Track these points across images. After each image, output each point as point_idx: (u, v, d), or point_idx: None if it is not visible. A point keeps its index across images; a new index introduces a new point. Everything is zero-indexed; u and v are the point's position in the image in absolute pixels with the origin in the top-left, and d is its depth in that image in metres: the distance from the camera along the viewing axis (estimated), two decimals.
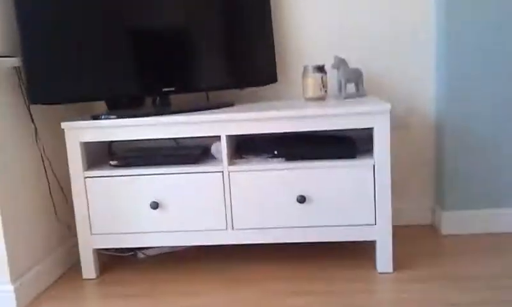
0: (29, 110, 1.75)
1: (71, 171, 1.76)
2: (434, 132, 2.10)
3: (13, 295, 1.59)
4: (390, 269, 1.71)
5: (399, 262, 1.77)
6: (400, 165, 2.13)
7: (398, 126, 2.09)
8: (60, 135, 1.89)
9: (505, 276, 1.62)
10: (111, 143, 2.03)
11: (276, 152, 1.77)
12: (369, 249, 1.87)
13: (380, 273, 1.70)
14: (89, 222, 1.78)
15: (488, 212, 1.99)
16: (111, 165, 1.80)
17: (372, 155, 1.70)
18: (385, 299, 1.55)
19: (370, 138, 1.71)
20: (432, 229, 2.09)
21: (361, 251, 1.89)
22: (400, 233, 2.06)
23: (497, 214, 1.99)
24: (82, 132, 1.74)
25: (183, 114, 1.74)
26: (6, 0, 1.67)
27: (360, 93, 1.93)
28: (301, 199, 1.69)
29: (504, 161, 1.97)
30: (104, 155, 1.99)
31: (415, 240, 1.98)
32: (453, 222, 2.01)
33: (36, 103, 1.70)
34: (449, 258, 1.79)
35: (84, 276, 1.82)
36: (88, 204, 1.77)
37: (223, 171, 1.72)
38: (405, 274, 1.69)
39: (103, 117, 1.73)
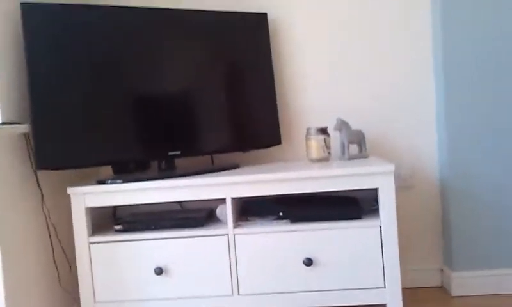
0: (36, 176, 1.77)
1: (76, 237, 1.75)
2: (439, 191, 2.09)
3: None
4: None
5: None
6: (407, 226, 2.11)
7: (402, 186, 2.09)
8: (66, 200, 1.90)
9: None
10: (115, 207, 2.02)
11: (281, 214, 1.76)
12: None
13: None
14: (93, 290, 1.75)
15: (499, 272, 1.95)
16: (115, 230, 1.79)
17: (378, 216, 1.69)
18: None
19: (375, 197, 1.72)
20: (442, 290, 2.05)
21: None
22: (409, 295, 2.01)
23: (507, 274, 1.95)
24: (88, 197, 1.74)
25: (188, 177, 1.75)
26: (18, 69, 1.73)
27: (362, 153, 1.95)
28: (308, 262, 1.67)
29: (509, 221, 1.95)
30: (109, 220, 1.98)
31: (425, 303, 1.93)
32: (463, 284, 1.96)
33: (43, 169, 1.71)
34: None
35: None
36: (91, 271, 1.75)
37: (228, 234, 1.71)
38: None
39: (109, 182, 1.74)
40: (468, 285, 1.96)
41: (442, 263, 2.10)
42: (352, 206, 1.74)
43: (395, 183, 1.67)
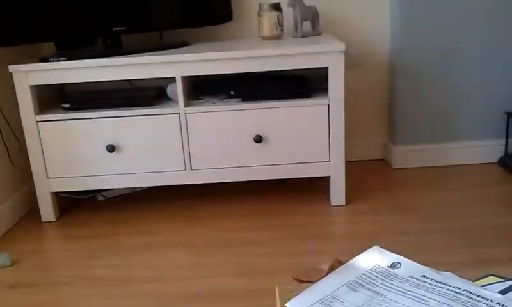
0: None
1: (22, 116, 1.72)
2: (388, 70, 2.14)
3: None
4: (343, 202, 1.80)
5: (351, 195, 1.86)
6: (355, 103, 2.18)
7: (352, 65, 2.12)
8: (10, 79, 1.83)
9: (447, 206, 1.74)
10: (63, 86, 1.98)
11: (232, 93, 1.78)
12: (325, 185, 1.95)
13: (333, 206, 1.79)
14: (45, 166, 1.77)
15: (436, 146, 2.10)
16: (63, 108, 1.76)
17: (326, 94, 1.73)
18: (337, 229, 1.64)
19: (325, 76, 1.74)
20: (383, 163, 2.20)
21: (318, 188, 1.97)
22: (353, 168, 2.15)
23: (444, 149, 2.10)
24: (31, 75, 1.68)
25: (136, 54, 1.70)
26: None
27: (315, 31, 1.93)
28: (258, 139, 1.73)
29: (451, 100, 2.05)
30: (57, 98, 1.95)
31: (368, 174, 2.08)
32: (403, 156, 2.11)
33: None
34: (398, 190, 1.89)
35: (44, 219, 1.83)
36: (42, 148, 1.75)
37: (179, 113, 1.72)
38: (356, 206, 1.78)
39: (52, 59, 1.67)
40: (408, 158, 2.10)
41: (386, 138, 2.23)
42: (301, 85, 1.77)
43: (345, 61, 1.69)
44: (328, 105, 1.71)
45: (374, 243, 0.82)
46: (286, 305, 0.67)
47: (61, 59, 1.67)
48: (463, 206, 1.73)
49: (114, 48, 1.79)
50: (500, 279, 0.68)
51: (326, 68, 1.69)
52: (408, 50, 2.00)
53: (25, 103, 1.71)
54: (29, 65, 1.67)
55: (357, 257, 0.78)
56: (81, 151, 1.76)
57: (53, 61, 1.67)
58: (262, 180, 1.79)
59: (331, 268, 0.76)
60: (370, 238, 1.55)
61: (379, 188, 1.93)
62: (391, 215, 1.70)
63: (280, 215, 1.76)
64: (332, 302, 0.67)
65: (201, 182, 1.79)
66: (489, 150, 2.09)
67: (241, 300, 1.29)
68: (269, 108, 1.72)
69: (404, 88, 2.04)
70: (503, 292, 0.64)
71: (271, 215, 1.77)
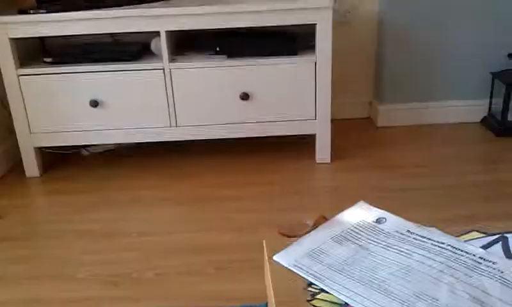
0: None
1: (2, 70, 1.67)
2: (376, 29, 2.12)
3: None
4: (328, 159, 1.81)
5: (336, 153, 1.87)
6: (342, 61, 2.16)
7: (340, 22, 2.09)
8: None
9: (431, 164, 1.77)
10: (44, 40, 1.91)
11: (218, 48, 1.74)
12: (311, 142, 1.96)
13: (319, 163, 1.81)
14: (28, 121, 1.73)
15: (421, 105, 2.11)
16: (45, 62, 1.72)
17: (314, 52, 1.71)
18: (322, 186, 1.66)
19: (314, 34, 1.72)
20: (369, 121, 2.20)
21: (304, 145, 1.97)
22: (339, 125, 2.15)
23: (428, 108, 2.11)
24: (11, 27, 1.62)
25: (119, 7, 1.65)
26: None
27: None
28: (244, 96, 1.71)
29: (436, 60, 2.05)
30: (38, 52, 1.89)
31: (353, 132, 2.09)
32: (388, 115, 2.11)
33: None
34: (383, 148, 1.91)
35: (28, 174, 1.81)
36: (24, 103, 1.71)
37: (163, 68, 1.69)
38: (342, 163, 1.80)
39: (32, 11, 1.61)
40: (393, 116, 2.11)
41: (372, 96, 2.23)
42: (288, 41, 1.74)
43: (333, 18, 1.66)
44: (315, 62, 1.69)
45: (359, 199, 0.83)
46: (273, 258, 0.68)
47: (41, 11, 1.61)
48: (446, 163, 1.76)
49: (97, 1, 1.73)
50: (482, 235, 0.70)
51: (314, 24, 1.66)
52: (396, 9, 1.97)
53: (5, 56, 1.65)
54: (8, 17, 1.61)
55: (343, 212, 0.79)
56: (64, 106, 1.72)
57: (33, 13, 1.61)
58: (248, 137, 1.79)
59: (316, 224, 0.77)
60: (355, 195, 1.58)
61: (365, 145, 1.94)
62: (376, 172, 1.72)
63: (266, 172, 1.77)
64: (319, 255, 0.68)
65: (186, 139, 1.78)
66: (473, 110, 2.11)
67: (227, 254, 1.31)
68: (256, 65, 1.70)
69: (391, 47, 2.03)
70: (485, 247, 0.66)
71: (257, 171, 1.78)
